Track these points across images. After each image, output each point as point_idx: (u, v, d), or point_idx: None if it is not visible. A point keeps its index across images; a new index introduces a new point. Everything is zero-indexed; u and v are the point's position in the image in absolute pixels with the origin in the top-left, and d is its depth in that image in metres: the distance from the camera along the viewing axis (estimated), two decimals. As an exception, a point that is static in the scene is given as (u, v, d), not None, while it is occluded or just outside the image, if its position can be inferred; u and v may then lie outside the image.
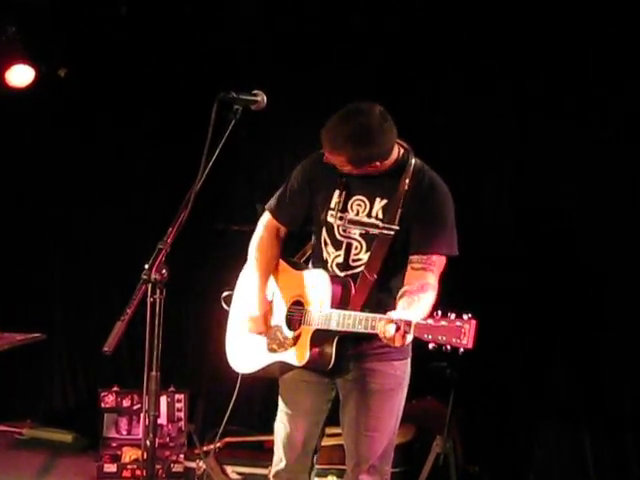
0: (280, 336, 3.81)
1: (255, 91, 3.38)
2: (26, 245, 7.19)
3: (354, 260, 3.73)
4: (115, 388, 6.54)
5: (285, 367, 3.80)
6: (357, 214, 3.73)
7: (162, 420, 6.31)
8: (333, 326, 3.53)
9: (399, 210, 3.64)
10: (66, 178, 7.12)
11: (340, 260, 3.76)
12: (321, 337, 3.62)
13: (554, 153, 5.59)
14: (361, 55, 6.08)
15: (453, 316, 3.12)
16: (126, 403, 6.54)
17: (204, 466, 5.84)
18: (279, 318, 3.86)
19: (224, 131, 3.26)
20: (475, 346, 3.08)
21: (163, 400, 6.33)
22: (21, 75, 6.65)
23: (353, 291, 3.64)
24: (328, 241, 3.80)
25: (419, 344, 3.29)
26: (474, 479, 5.66)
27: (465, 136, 5.84)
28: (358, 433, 3.81)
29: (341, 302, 3.61)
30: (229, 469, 5.74)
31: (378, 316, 3.35)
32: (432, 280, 3.60)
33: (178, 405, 6.37)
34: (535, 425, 5.70)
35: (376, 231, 3.67)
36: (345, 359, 3.71)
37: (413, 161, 3.70)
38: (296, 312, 3.78)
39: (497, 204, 5.92)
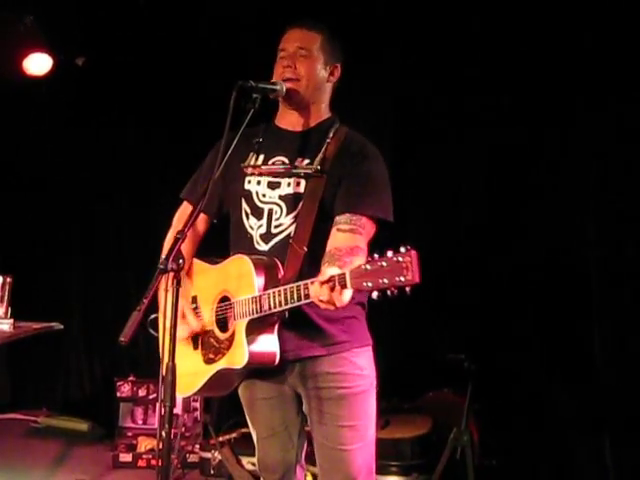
0: (214, 342, 3.33)
1: (274, 79, 3.35)
2: (44, 233, 7.23)
3: (276, 226, 3.32)
4: (131, 377, 6.56)
5: (228, 376, 3.34)
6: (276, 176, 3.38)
7: (178, 410, 6.29)
8: (265, 308, 3.08)
9: (325, 165, 3.29)
10: (84, 167, 7.15)
11: (263, 230, 3.34)
12: (257, 328, 3.16)
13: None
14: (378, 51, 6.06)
15: (390, 253, 2.71)
16: (142, 392, 6.55)
17: (219, 456, 5.84)
18: (208, 323, 3.38)
19: (241, 121, 3.22)
20: (421, 279, 2.66)
21: (179, 394, 6.32)
22: (39, 63, 6.68)
23: (281, 269, 3.20)
24: (249, 211, 3.38)
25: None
26: (491, 472, 5.63)
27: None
28: (333, 450, 3.33)
29: (269, 284, 3.15)
30: (244, 460, 5.72)
31: (309, 280, 2.94)
32: (362, 244, 3.17)
33: (194, 395, 6.37)
34: (554, 418, 5.66)
35: (301, 172, 3.30)
36: (296, 353, 3.27)
37: (339, 125, 3.43)
38: (224, 309, 3.30)
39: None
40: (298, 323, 3.20)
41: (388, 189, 3.35)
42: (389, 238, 3.22)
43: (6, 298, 4.68)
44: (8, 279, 4.72)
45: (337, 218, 3.24)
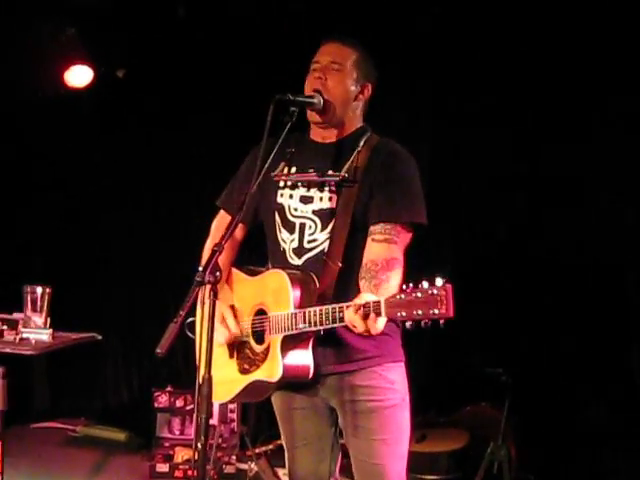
0: (249, 353, 3.37)
1: (311, 92, 3.35)
2: (85, 245, 7.28)
3: (309, 241, 3.32)
4: (169, 388, 6.58)
5: (263, 387, 3.34)
6: (308, 189, 3.37)
7: (214, 421, 6.30)
8: (301, 326, 3.10)
9: (356, 175, 3.28)
10: (125, 179, 7.19)
11: (295, 245, 3.35)
12: (292, 343, 3.19)
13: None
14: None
15: (425, 285, 2.72)
16: (179, 403, 6.57)
17: (256, 468, 5.84)
18: (244, 334, 3.41)
19: (280, 134, 3.22)
20: (455, 313, 2.67)
21: (216, 401, 6.33)
22: (80, 75, 6.73)
23: (317, 285, 3.21)
24: (281, 224, 3.39)
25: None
26: (528, 487, 5.60)
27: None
28: (365, 463, 3.35)
29: (305, 300, 3.17)
30: (280, 471, 5.72)
31: (345, 304, 2.95)
32: (398, 254, 3.18)
33: (231, 406, 6.36)
34: (595, 434, 5.61)
35: (330, 180, 3.30)
36: (329, 368, 3.29)
37: (370, 134, 3.42)
38: (260, 322, 3.32)
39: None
40: (330, 338, 3.22)
41: (420, 192, 3.32)
42: (425, 240, 3.24)
43: (45, 308, 4.69)
44: (47, 290, 4.73)
45: (371, 228, 3.23)
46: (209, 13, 6.51)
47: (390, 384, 3.33)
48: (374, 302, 2.84)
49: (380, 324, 2.89)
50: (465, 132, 6.02)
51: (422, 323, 2.73)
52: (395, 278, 3.00)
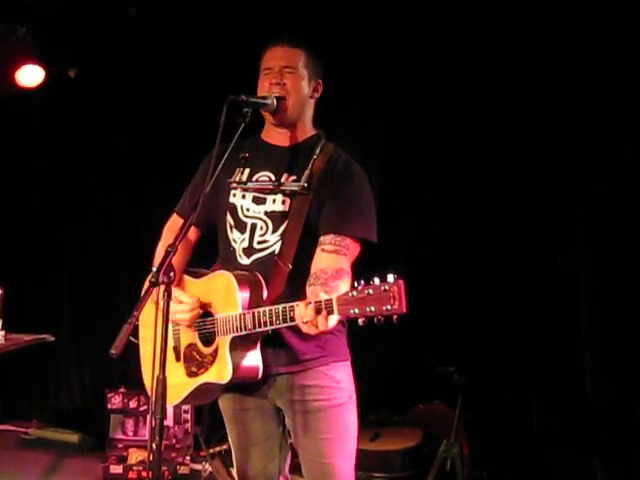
0: (197, 355, 3.36)
1: (264, 94, 3.37)
2: (34, 246, 7.22)
3: (259, 242, 3.34)
4: (122, 389, 6.55)
5: (212, 389, 3.36)
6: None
7: (169, 422, 6.29)
8: (250, 327, 3.11)
9: (312, 183, 3.29)
10: (74, 178, 7.15)
11: (245, 245, 3.36)
12: (241, 344, 3.19)
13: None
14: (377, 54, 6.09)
15: (377, 281, 2.74)
16: (133, 404, 6.54)
17: (210, 468, 5.84)
18: (191, 336, 3.41)
19: (232, 134, 3.23)
20: (408, 309, 2.68)
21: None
22: (31, 75, 6.68)
23: (264, 286, 3.22)
24: (232, 224, 3.41)
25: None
26: (481, 485, 5.65)
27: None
28: (314, 462, 3.38)
29: (253, 301, 3.18)
30: (234, 471, 5.71)
31: (295, 303, 2.96)
32: (346, 266, 3.18)
33: (185, 407, 6.34)
34: (546, 432, 5.67)
35: (287, 189, 3.31)
36: (277, 369, 3.31)
37: (325, 142, 3.43)
38: (207, 324, 3.32)
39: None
40: (277, 340, 3.25)
41: (372, 209, 3.36)
42: (379, 253, 3.27)
43: (-3, 310, 4.69)
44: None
45: (321, 238, 3.25)
46: (160, 11, 6.49)
47: (336, 383, 3.36)
48: (326, 300, 2.86)
49: (331, 321, 2.89)
50: (418, 131, 6.06)
51: (375, 319, 2.75)
52: (344, 287, 2.97)
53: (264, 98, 3.34)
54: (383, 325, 2.75)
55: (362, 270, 3.06)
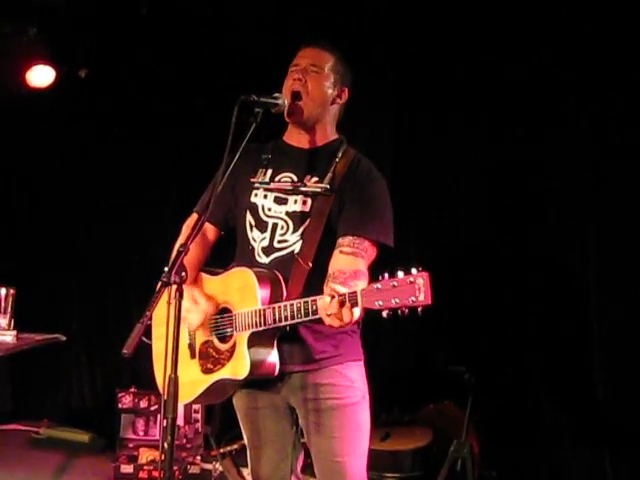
0: (213, 352, 3.37)
1: (276, 94, 3.37)
2: (46, 246, 7.23)
3: (280, 241, 3.36)
4: (132, 389, 6.55)
5: (226, 386, 3.37)
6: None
7: (179, 421, 6.29)
8: (269, 322, 3.13)
9: (334, 185, 3.33)
10: (86, 179, 7.16)
11: (265, 244, 3.38)
12: (259, 340, 3.21)
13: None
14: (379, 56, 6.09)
15: (401, 274, 2.77)
16: (143, 404, 6.54)
17: (220, 468, 5.85)
18: (207, 333, 3.42)
19: (244, 134, 3.23)
20: (433, 301, 2.72)
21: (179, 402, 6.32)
22: (42, 75, 6.70)
23: (283, 284, 3.25)
24: (253, 223, 3.43)
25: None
26: (491, 484, 5.64)
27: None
28: (326, 461, 3.39)
29: (273, 297, 3.21)
30: (245, 471, 5.73)
31: (316, 297, 2.99)
32: (364, 268, 3.20)
33: (195, 407, 6.34)
34: (554, 432, 5.66)
35: (309, 190, 3.35)
36: (292, 367, 3.32)
37: (347, 147, 3.48)
38: (225, 320, 3.34)
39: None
40: (293, 338, 3.27)
41: (390, 214, 3.39)
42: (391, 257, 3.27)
43: (9, 310, 4.69)
44: (11, 291, 4.73)
45: (340, 240, 3.28)
46: (172, 12, 6.50)
47: (350, 382, 3.38)
48: (350, 293, 2.88)
49: (356, 314, 2.90)
50: (429, 131, 6.06)
51: (399, 312, 2.77)
52: (362, 286, 2.95)
53: (275, 98, 3.35)
54: (398, 321, 2.78)
55: (374, 270, 3.07)
